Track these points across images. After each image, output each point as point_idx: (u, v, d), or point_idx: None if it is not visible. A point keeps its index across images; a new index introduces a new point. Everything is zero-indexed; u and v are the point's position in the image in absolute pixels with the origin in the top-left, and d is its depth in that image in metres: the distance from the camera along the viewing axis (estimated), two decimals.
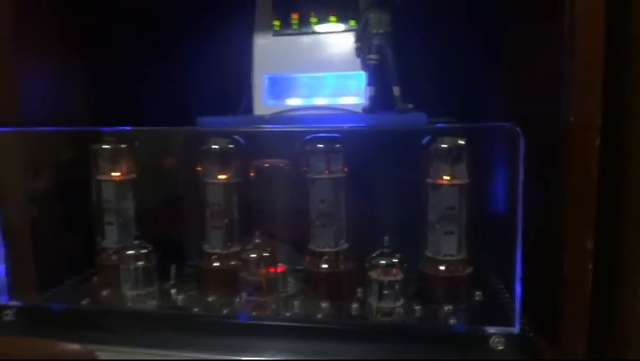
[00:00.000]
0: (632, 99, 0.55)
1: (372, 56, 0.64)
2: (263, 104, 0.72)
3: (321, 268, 0.60)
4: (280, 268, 0.60)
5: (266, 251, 0.56)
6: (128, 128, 0.61)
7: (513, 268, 0.49)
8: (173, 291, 0.60)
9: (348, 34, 0.69)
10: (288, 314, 0.55)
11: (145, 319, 0.56)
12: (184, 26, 0.93)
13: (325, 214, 0.60)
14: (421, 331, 0.51)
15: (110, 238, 0.65)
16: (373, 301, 0.54)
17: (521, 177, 0.48)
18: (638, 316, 0.54)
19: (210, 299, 0.59)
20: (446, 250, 0.58)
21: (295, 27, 0.72)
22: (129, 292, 0.58)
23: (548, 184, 0.56)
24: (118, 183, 0.64)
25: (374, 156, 0.63)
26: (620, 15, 0.53)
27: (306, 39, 0.72)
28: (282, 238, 0.64)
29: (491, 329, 0.47)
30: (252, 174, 0.65)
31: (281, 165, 0.65)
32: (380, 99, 0.65)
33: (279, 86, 0.72)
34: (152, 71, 0.89)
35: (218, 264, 0.62)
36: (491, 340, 0.46)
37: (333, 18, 0.72)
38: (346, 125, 0.63)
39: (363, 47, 0.66)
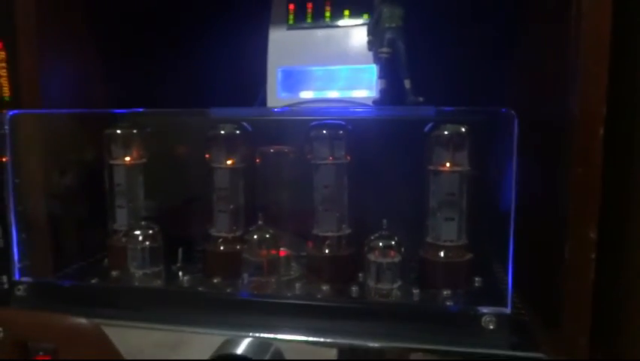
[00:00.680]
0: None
1: (384, 50, 0.65)
2: (276, 97, 0.74)
3: (324, 251, 0.61)
4: (283, 252, 0.62)
5: (268, 233, 0.58)
6: (139, 110, 0.64)
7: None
8: (179, 273, 0.62)
9: (361, 28, 0.71)
10: (288, 294, 0.56)
11: (150, 296, 0.58)
12: (201, 22, 0.96)
13: (328, 199, 0.61)
14: (416, 310, 0.52)
15: (121, 220, 0.67)
16: (371, 283, 0.55)
17: (515, 160, 0.49)
18: None
19: (215, 281, 0.60)
20: (446, 236, 0.58)
21: (309, 21, 0.74)
22: (136, 271, 0.60)
23: (555, 174, 0.56)
24: (129, 168, 0.67)
25: (377, 145, 0.64)
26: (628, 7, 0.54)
27: (319, 33, 0.73)
28: (287, 224, 0.65)
29: (484, 310, 0.48)
30: (257, 160, 0.67)
31: (286, 150, 0.66)
32: (391, 92, 0.66)
33: (293, 79, 0.74)
34: (168, 65, 0.92)
35: (223, 247, 0.63)
36: (483, 319, 0.47)
37: (346, 12, 0.73)
38: (348, 113, 0.64)
39: (375, 40, 0.67)
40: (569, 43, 0.53)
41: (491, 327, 0.47)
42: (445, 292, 0.55)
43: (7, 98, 0.73)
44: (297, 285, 0.58)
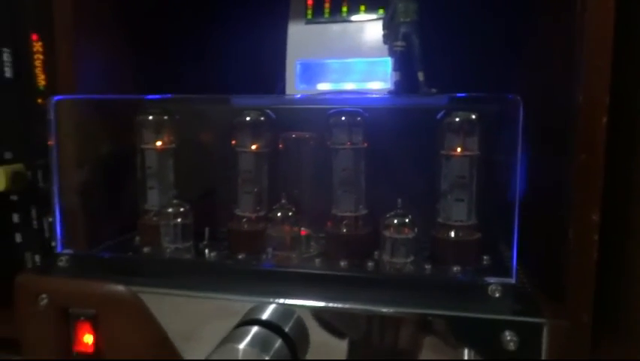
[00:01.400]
0: None
1: (399, 43, 0.67)
2: (295, 89, 0.77)
3: (342, 230, 0.65)
4: (303, 232, 0.66)
5: (290, 211, 0.62)
6: (169, 96, 0.68)
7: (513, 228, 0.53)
8: (206, 250, 0.66)
9: (377, 23, 0.73)
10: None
11: (183, 266, 0.62)
12: (224, 17, 1.00)
13: (346, 182, 0.65)
14: (426, 280, 0.56)
15: (152, 200, 0.71)
16: (386, 257, 0.59)
17: (520, 144, 0.52)
18: None
19: (240, 257, 0.64)
20: (456, 216, 0.62)
21: (327, 16, 0.77)
22: (168, 246, 0.65)
23: (560, 161, 0.60)
24: (159, 151, 0.71)
25: (392, 132, 0.67)
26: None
27: (336, 27, 0.77)
28: (307, 205, 0.69)
29: (490, 279, 0.52)
30: (280, 146, 0.71)
31: (307, 136, 0.70)
32: (405, 84, 0.70)
33: (311, 72, 0.77)
34: (192, 56, 0.96)
35: (247, 226, 0.68)
36: (489, 288, 0.51)
37: (362, 7, 0.76)
38: (364, 102, 0.68)
39: (390, 34, 0.69)
40: (574, 36, 0.56)
41: (497, 295, 0.51)
42: (455, 268, 0.59)
43: (41, 88, 0.78)
44: (317, 260, 0.62)
